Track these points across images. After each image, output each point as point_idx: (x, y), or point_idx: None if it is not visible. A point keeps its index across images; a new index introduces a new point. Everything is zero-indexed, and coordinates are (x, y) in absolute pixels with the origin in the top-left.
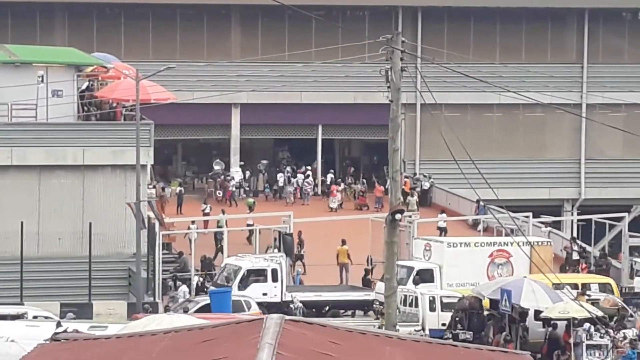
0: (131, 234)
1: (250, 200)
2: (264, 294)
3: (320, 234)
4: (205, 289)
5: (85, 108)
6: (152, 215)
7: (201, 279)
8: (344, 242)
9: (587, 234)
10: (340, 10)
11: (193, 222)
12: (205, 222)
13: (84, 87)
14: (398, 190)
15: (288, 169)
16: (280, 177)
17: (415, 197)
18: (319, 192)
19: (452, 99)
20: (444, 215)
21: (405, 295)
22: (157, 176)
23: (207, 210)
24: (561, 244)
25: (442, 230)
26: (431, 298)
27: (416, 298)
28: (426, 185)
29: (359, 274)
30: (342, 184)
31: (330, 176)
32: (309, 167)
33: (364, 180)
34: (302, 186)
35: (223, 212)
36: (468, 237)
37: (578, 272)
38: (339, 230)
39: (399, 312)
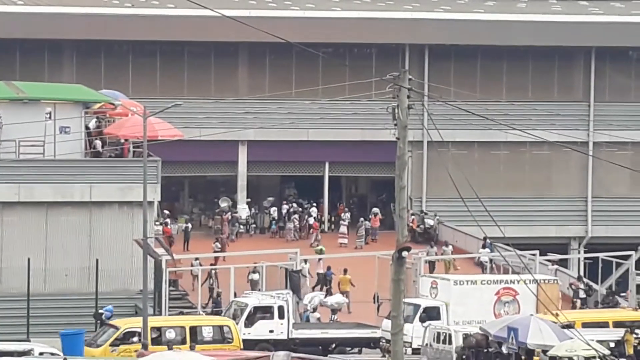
0: (138, 271)
1: (320, 247)
2: (271, 331)
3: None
4: None
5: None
6: (160, 251)
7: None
8: (345, 271)
9: (594, 272)
10: (347, 47)
11: (197, 259)
12: (215, 260)
13: (92, 125)
14: (404, 228)
15: (293, 205)
16: (274, 211)
17: (451, 247)
18: (326, 229)
19: (459, 136)
20: (487, 250)
21: (439, 332)
22: (163, 213)
23: (218, 250)
24: (568, 282)
25: (483, 267)
26: (464, 335)
27: (449, 335)
28: (430, 222)
29: (363, 312)
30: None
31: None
32: (314, 204)
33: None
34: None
35: (305, 262)
36: (475, 275)
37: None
38: (343, 266)
39: (433, 349)
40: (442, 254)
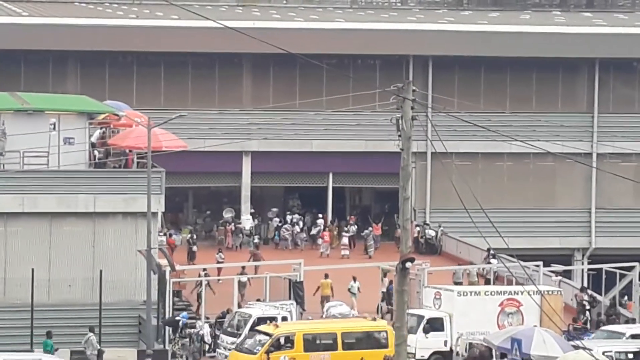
0: (142, 282)
1: (386, 266)
2: None
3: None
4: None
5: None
6: (163, 262)
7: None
8: (326, 276)
9: (597, 283)
10: (351, 59)
11: (204, 269)
12: (219, 271)
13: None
14: (408, 238)
15: (294, 215)
16: (276, 221)
17: (476, 267)
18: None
19: (463, 147)
20: (495, 261)
21: (470, 343)
22: (167, 223)
23: (221, 260)
24: (572, 293)
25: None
26: (468, 346)
27: None
28: (430, 233)
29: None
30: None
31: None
32: (319, 215)
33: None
34: (281, 232)
35: (354, 279)
36: (478, 286)
37: (588, 322)
38: (347, 276)
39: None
40: (467, 274)
